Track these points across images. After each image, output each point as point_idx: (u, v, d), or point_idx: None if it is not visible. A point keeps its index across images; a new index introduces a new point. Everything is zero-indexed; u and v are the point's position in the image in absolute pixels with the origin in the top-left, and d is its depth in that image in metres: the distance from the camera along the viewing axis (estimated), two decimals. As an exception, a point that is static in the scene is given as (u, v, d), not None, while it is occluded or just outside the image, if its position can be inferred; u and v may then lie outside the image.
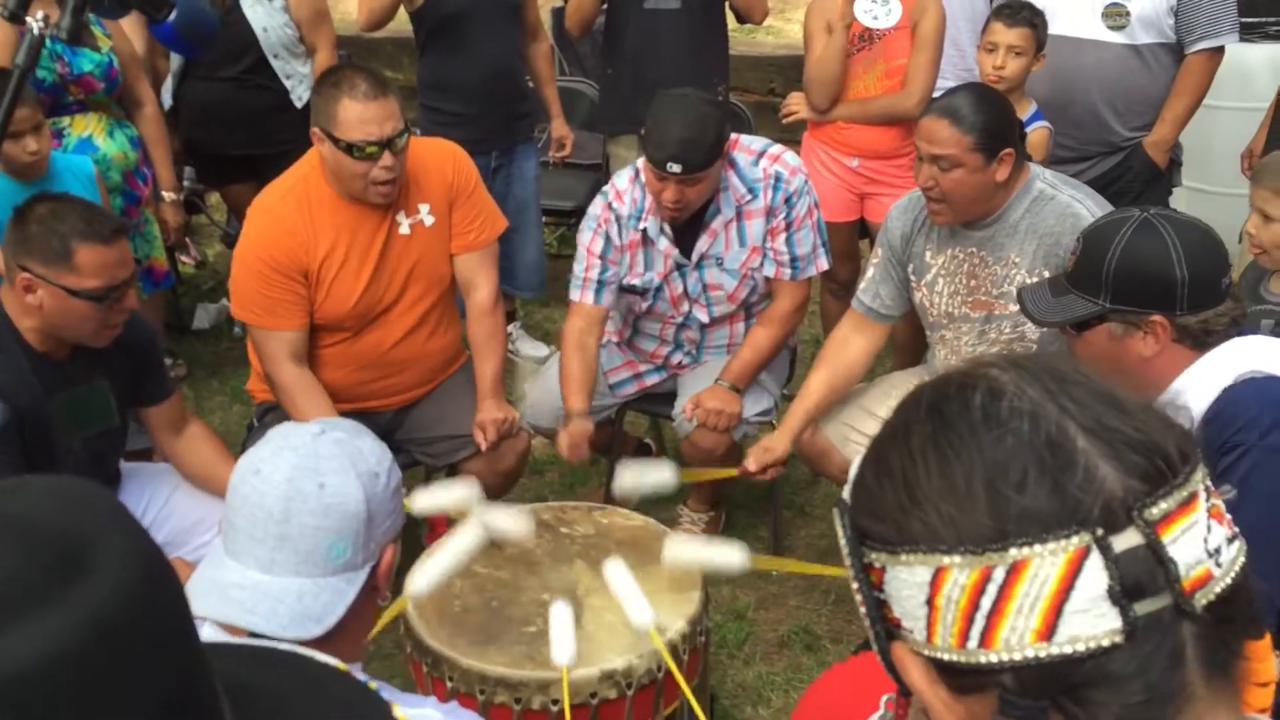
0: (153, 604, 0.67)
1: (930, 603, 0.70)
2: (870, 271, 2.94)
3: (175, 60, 4.05)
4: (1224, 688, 0.69)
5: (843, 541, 0.76)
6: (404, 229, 2.89)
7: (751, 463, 2.85)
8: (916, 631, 0.72)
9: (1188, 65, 3.33)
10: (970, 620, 0.69)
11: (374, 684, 1.07)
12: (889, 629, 0.75)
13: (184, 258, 5.11)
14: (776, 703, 2.82)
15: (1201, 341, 1.96)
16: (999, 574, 0.67)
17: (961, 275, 2.74)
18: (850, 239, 3.86)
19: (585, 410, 2.98)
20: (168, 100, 4.09)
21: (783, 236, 2.99)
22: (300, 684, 0.90)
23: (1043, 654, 0.67)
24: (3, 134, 2.00)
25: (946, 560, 0.69)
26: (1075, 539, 0.66)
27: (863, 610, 0.75)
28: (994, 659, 0.68)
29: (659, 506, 2.54)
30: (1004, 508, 0.68)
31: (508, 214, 3.21)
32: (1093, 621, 0.66)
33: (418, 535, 2.58)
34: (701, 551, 2.29)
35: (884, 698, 1.21)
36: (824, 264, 3.09)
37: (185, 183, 4.65)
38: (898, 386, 2.98)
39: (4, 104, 1.92)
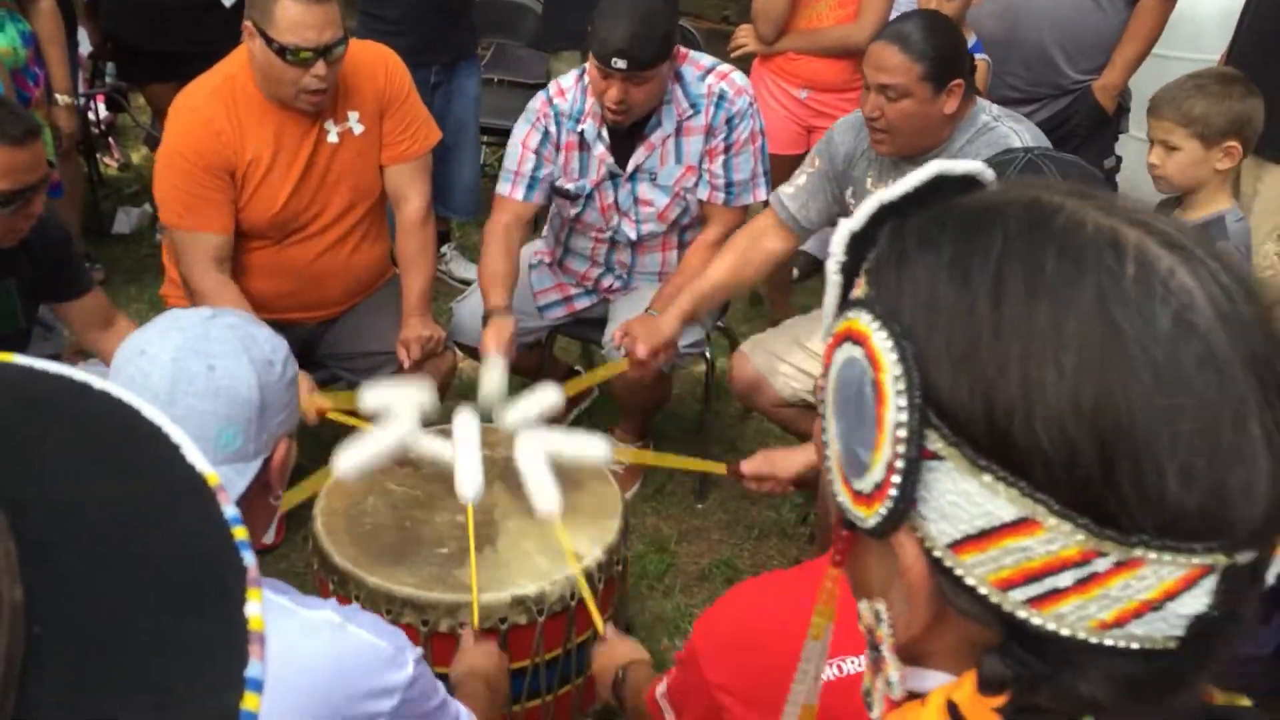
0: None
1: (987, 534, 0.56)
2: (802, 179, 2.82)
3: (97, -51, 3.85)
4: None
5: (897, 399, 0.57)
6: (332, 137, 2.78)
7: (641, 347, 2.70)
8: (942, 536, 0.58)
9: (1141, 9, 3.28)
10: (1031, 578, 0.56)
11: (269, 591, 1.01)
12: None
13: (106, 159, 4.91)
14: (694, 634, 2.81)
15: None
16: (1101, 565, 0.55)
17: None
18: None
19: (508, 306, 2.83)
20: (89, -10, 3.90)
21: (721, 159, 2.92)
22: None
23: (1093, 640, 0.57)
24: None
25: (1047, 521, 0.54)
26: (1207, 558, 0.55)
27: (882, 475, 0.58)
28: (1034, 621, 0.57)
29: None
30: (1146, 487, 0.54)
31: (445, 133, 3.10)
32: (1158, 627, 0.57)
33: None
34: (559, 445, 2.15)
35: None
36: (762, 194, 3.02)
37: (107, 79, 4.45)
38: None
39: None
